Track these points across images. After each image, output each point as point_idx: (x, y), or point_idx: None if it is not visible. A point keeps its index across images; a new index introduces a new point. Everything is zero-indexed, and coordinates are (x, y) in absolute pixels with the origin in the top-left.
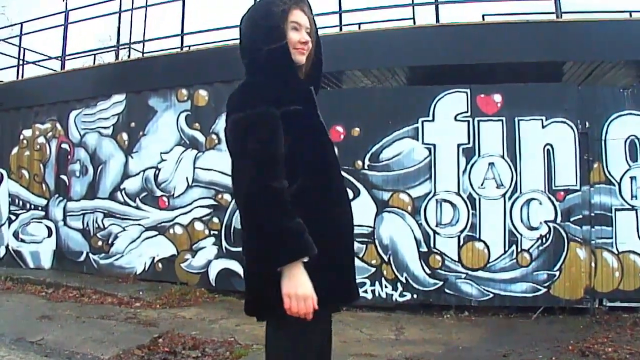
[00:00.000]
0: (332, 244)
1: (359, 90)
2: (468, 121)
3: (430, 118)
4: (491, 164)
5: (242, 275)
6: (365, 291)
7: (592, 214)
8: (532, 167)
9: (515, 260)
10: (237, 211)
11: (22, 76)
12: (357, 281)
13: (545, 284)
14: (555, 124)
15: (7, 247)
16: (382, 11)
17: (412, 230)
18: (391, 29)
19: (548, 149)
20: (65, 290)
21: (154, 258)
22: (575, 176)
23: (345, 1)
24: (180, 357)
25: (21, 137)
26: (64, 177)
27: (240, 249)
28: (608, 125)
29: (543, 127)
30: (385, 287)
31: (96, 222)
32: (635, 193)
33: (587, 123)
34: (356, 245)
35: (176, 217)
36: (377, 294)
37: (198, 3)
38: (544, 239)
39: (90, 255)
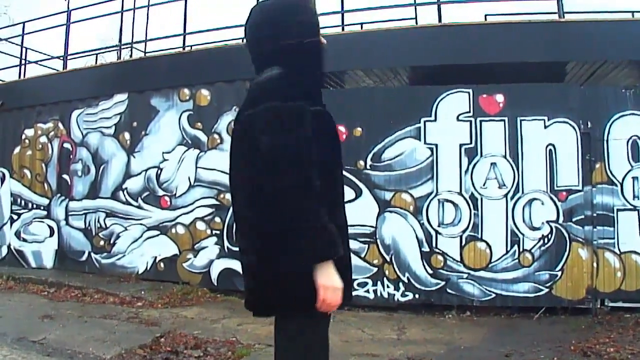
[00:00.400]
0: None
1: (361, 90)
2: (470, 121)
3: (433, 118)
4: (493, 164)
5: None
6: (367, 291)
7: (594, 214)
8: (534, 167)
9: (517, 261)
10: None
11: (24, 76)
12: (359, 281)
13: (547, 284)
14: (557, 124)
15: (9, 246)
16: (384, 11)
17: (414, 230)
18: (393, 29)
19: (550, 149)
20: (67, 289)
21: (155, 258)
22: (578, 176)
23: (348, 1)
24: (182, 357)
25: (23, 136)
26: (66, 176)
27: None
28: (610, 126)
29: (545, 127)
30: (387, 287)
31: (98, 221)
32: (637, 193)
33: (589, 123)
34: (358, 245)
35: (178, 216)
36: (379, 294)
37: (200, 3)
38: (546, 239)
39: (92, 254)
